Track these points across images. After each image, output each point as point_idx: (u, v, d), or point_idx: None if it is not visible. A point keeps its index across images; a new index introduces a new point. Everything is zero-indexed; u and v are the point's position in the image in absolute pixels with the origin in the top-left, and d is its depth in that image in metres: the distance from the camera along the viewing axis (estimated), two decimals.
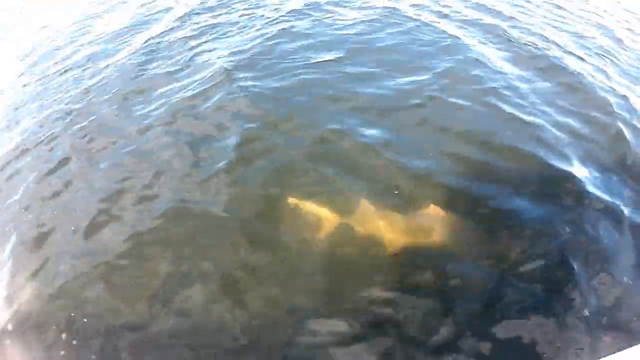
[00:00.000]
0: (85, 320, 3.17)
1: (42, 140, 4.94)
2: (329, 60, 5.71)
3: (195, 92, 5.22)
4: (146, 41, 6.64)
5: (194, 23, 7.04)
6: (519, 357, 2.90)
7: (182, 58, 6.01)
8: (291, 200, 3.81)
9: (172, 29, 6.99)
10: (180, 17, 7.30)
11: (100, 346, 3.02)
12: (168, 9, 7.76)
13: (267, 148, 4.41)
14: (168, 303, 3.20)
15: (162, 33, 6.85)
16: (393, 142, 4.43)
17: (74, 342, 3.06)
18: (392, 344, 2.95)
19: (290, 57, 5.82)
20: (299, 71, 5.49)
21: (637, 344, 1.48)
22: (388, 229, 3.63)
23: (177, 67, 5.82)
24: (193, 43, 6.35)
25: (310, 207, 3.73)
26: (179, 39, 6.57)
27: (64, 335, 3.09)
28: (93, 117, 5.15)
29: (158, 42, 6.57)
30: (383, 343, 2.94)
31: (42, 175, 4.47)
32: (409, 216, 3.74)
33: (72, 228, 3.83)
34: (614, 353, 1.48)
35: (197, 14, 7.36)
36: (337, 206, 3.76)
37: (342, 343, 2.95)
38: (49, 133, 5.03)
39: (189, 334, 3.04)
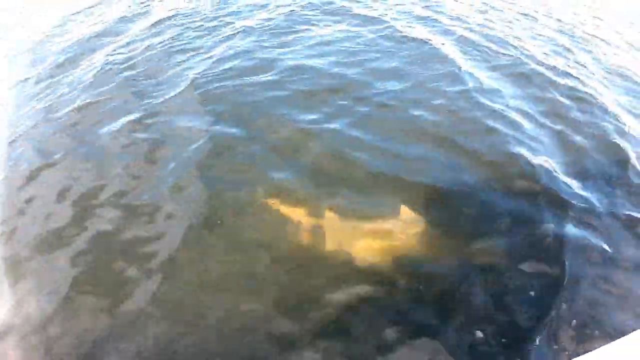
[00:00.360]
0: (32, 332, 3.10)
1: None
2: (299, 68, 5.78)
3: (164, 98, 5.33)
4: (134, 45, 6.76)
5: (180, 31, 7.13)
6: (492, 356, 2.94)
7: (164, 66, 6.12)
8: (263, 201, 3.88)
9: (161, 31, 7.12)
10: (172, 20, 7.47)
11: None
12: (164, 11, 7.88)
13: (236, 151, 4.49)
14: (128, 306, 3.18)
15: (153, 36, 6.99)
16: (364, 146, 4.54)
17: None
18: (359, 347, 2.96)
19: (258, 65, 5.86)
20: (267, 83, 5.52)
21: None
22: (359, 231, 3.66)
23: (157, 73, 5.93)
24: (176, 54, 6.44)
25: (283, 209, 3.78)
26: (170, 46, 6.66)
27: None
28: (63, 122, 5.19)
29: (146, 46, 6.67)
30: (350, 347, 2.96)
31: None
32: (380, 218, 3.77)
33: (35, 230, 3.80)
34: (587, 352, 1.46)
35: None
36: (308, 208, 3.81)
37: (308, 347, 2.95)
38: (14, 136, 5.10)
39: (152, 339, 3.01)
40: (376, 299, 3.22)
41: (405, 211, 3.80)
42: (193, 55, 6.31)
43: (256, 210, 3.87)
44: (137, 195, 4.07)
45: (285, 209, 3.81)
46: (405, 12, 7.59)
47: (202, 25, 7.28)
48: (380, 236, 3.63)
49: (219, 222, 3.79)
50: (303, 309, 3.17)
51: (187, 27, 7.27)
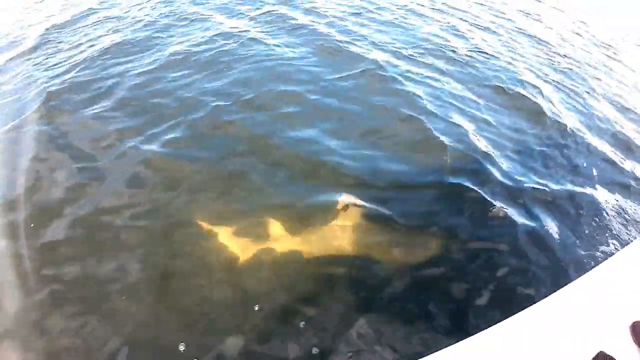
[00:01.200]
0: None
1: None
2: (240, 79, 5.84)
3: (107, 112, 5.23)
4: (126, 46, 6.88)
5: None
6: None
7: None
8: (201, 224, 3.76)
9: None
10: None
11: None
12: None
13: (171, 169, 4.37)
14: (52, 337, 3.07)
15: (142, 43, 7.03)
16: (299, 144, 4.63)
17: None
18: (302, 343, 2.98)
19: (197, 83, 5.79)
20: (204, 98, 5.46)
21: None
22: (298, 241, 3.62)
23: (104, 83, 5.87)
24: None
25: (219, 230, 3.68)
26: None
27: None
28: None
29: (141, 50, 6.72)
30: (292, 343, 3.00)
31: None
32: (320, 212, 3.84)
33: None
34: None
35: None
36: (246, 227, 3.74)
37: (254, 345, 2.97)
38: None
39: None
40: (316, 294, 3.27)
41: (343, 204, 3.88)
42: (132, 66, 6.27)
43: (195, 232, 3.73)
44: (67, 213, 3.92)
45: (223, 228, 3.72)
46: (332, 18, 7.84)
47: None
48: (319, 231, 3.66)
49: (156, 247, 3.66)
50: (243, 310, 3.19)
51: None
